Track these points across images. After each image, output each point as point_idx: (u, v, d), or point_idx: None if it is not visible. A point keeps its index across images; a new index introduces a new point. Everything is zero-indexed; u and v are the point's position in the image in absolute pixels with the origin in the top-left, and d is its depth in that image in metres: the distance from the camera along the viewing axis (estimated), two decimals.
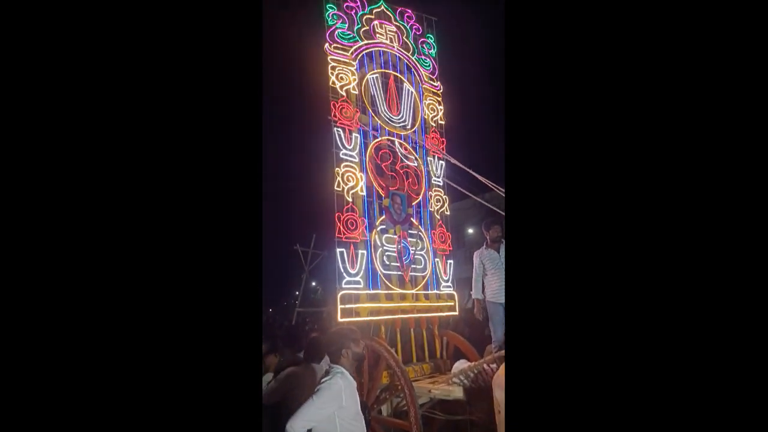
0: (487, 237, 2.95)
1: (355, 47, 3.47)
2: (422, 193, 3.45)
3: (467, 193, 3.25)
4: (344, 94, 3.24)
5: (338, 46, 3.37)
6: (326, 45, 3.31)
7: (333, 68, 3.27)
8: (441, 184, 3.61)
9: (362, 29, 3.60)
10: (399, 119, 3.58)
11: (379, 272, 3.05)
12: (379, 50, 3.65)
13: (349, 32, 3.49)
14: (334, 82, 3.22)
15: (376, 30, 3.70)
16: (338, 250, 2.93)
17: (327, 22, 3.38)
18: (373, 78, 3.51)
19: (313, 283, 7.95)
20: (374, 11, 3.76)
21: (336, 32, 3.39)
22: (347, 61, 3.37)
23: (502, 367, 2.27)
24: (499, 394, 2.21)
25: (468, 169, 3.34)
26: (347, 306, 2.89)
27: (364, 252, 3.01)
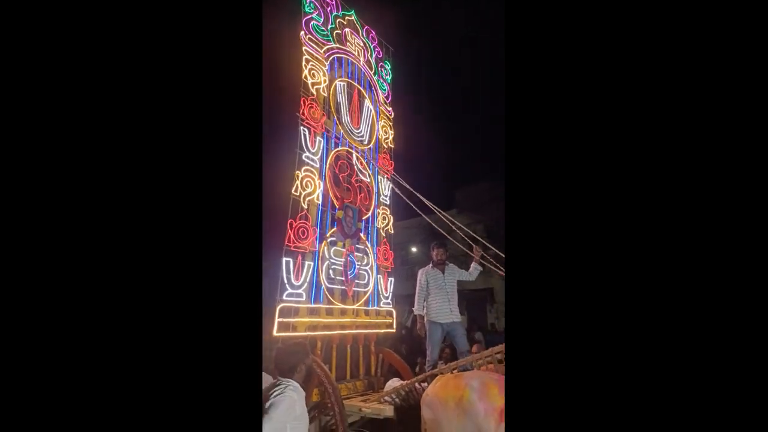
0: (433, 258, 3.06)
1: (328, 47, 3.28)
2: (372, 209, 3.42)
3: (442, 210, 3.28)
4: (314, 93, 2.99)
5: (312, 38, 3.11)
6: (302, 33, 3.06)
7: (307, 62, 2.98)
8: (388, 202, 3.65)
9: (335, 31, 3.46)
10: (358, 133, 3.49)
11: (323, 285, 2.86)
12: (348, 59, 3.54)
13: (323, 28, 3.30)
14: (306, 77, 2.94)
15: (347, 38, 3.61)
16: (285, 259, 2.62)
17: (304, 8, 3.14)
18: (341, 84, 3.35)
19: None
20: (346, 18, 3.67)
21: (312, 23, 3.14)
22: (320, 58, 3.14)
23: (431, 385, 2.36)
24: (426, 413, 2.28)
25: (415, 192, 3.46)
26: (285, 319, 2.61)
27: (311, 263, 2.79)
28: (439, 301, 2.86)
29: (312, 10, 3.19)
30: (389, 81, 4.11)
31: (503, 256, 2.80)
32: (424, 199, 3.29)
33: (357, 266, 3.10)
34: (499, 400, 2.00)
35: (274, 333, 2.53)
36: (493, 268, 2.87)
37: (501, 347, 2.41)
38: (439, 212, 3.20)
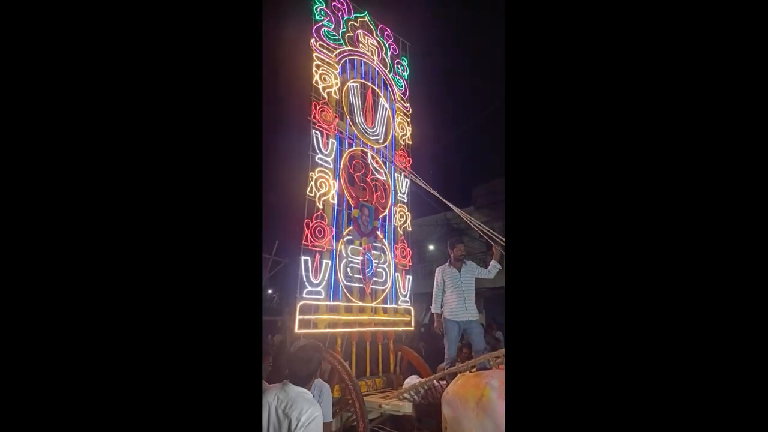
0: (451, 255, 2.94)
1: (339, 50, 3.31)
2: (389, 207, 3.42)
3: (448, 202, 3.16)
4: (325, 96, 3.05)
5: (323, 44, 3.16)
6: (312, 40, 3.12)
7: (317, 67, 3.03)
8: (405, 200, 3.62)
9: (347, 34, 3.48)
10: (373, 132, 3.49)
11: (342, 283, 2.90)
12: (361, 60, 3.53)
13: (334, 33, 3.33)
14: (317, 82, 2.98)
15: (360, 39, 3.61)
16: (303, 258, 2.69)
17: (314, 17, 3.19)
18: (353, 86, 3.37)
19: (269, 291, 7.30)
20: (359, 20, 3.68)
21: (323, 29, 3.18)
22: (331, 62, 3.18)
23: (452, 384, 2.33)
24: (446, 411, 2.24)
25: (431, 189, 3.39)
26: (306, 317, 2.69)
27: (329, 262, 2.85)
28: (455, 299, 2.78)
29: (323, 17, 3.23)
30: (406, 77, 4.06)
31: None
32: (439, 197, 3.22)
33: (374, 264, 3.11)
34: None
35: (296, 330, 2.62)
36: None
37: None
38: (456, 209, 3.11)
